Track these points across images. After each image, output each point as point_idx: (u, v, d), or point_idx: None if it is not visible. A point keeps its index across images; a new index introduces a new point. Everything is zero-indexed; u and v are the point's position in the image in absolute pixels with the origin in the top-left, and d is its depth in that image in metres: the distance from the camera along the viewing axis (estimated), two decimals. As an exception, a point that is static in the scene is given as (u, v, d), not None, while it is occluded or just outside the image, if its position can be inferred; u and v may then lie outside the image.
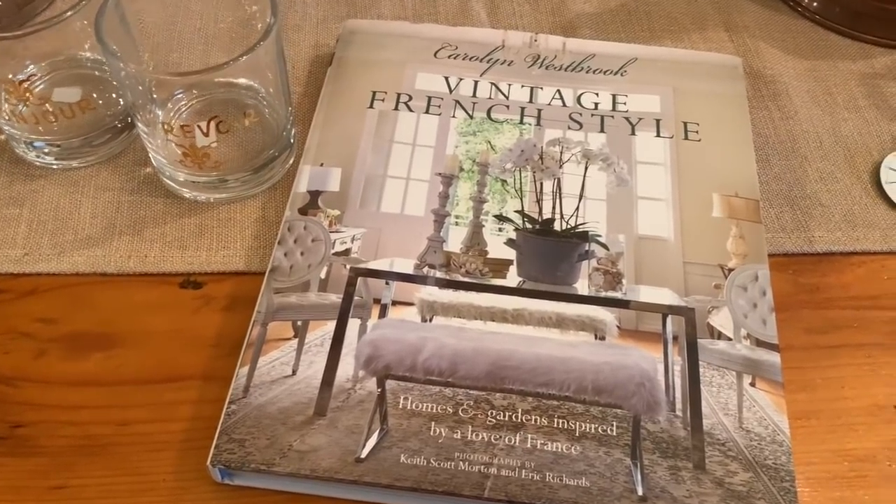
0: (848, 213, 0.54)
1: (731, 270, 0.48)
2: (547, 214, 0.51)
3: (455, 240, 0.50)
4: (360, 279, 0.46)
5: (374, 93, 0.57)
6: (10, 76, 0.51)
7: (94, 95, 0.53)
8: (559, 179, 0.52)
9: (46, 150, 0.53)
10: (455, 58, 0.59)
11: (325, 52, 0.61)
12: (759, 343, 0.46)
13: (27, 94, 0.50)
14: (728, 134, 0.55)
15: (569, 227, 0.50)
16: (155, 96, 0.50)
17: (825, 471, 0.43)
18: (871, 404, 0.46)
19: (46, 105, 0.50)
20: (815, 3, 0.65)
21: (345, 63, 0.58)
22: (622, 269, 0.49)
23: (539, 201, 0.52)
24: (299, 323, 0.45)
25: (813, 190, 0.55)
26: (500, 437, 0.41)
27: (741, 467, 0.41)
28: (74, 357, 0.46)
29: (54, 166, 0.54)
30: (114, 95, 0.54)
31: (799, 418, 0.45)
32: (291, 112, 0.53)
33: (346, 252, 0.49)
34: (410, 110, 0.56)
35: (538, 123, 0.56)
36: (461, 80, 0.58)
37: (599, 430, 0.42)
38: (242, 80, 0.53)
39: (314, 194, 0.51)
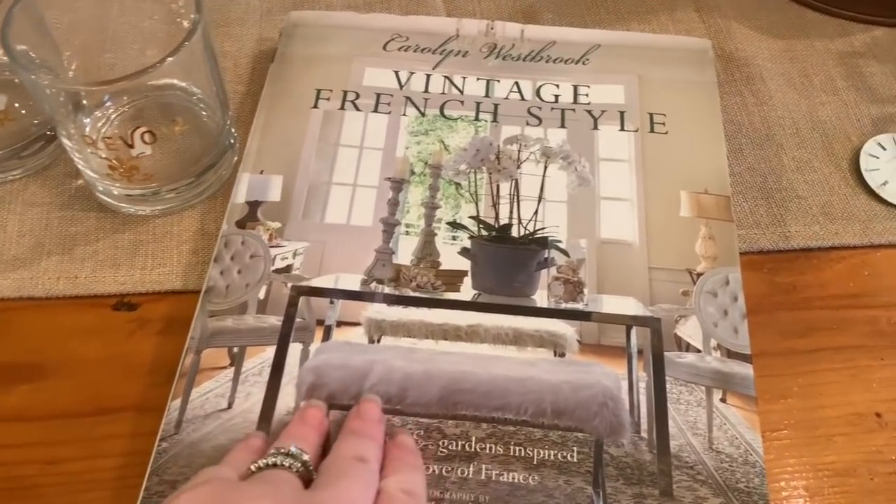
0: (826, 204, 0.51)
1: (699, 275, 0.45)
2: (504, 220, 0.48)
3: (406, 251, 0.47)
4: (301, 299, 0.43)
5: (319, 91, 0.53)
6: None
7: (17, 105, 0.50)
8: (517, 181, 0.49)
9: (-32, 165, 0.50)
10: (406, 50, 0.55)
11: (269, 48, 0.58)
12: (731, 354, 0.43)
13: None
14: (697, 125, 0.52)
15: (527, 232, 0.48)
16: (73, 105, 0.46)
17: (803, 487, 0.40)
18: (851, 413, 0.43)
19: (-40, 118, 0.47)
20: (789, -21, 0.62)
21: (287, 59, 0.55)
22: (584, 277, 0.46)
23: (495, 205, 0.49)
24: (235, 350, 0.42)
25: (789, 181, 0.52)
26: (452, 468, 0.38)
27: (711, 492, 0.38)
28: (0, 390, 0.43)
29: (-23, 181, 0.50)
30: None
31: (774, 430, 0.42)
32: (229, 115, 0.50)
33: (288, 269, 0.46)
34: (357, 109, 0.52)
35: (494, 120, 0.52)
36: (412, 74, 0.54)
37: (559, 456, 0.39)
38: (176, 82, 0.50)
39: (253, 205, 0.47)
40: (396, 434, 0.37)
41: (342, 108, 0.52)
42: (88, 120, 0.48)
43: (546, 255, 0.46)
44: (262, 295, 0.44)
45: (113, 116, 0.50)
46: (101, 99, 0.49)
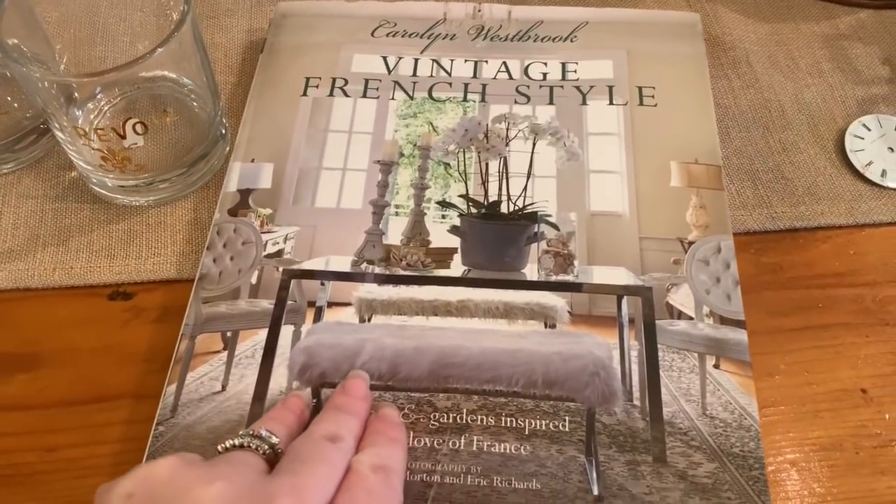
0: (812, 185, 0.51)
1: (691, 244, 0.46)
2: (493, 197, 0.48)
3: (395, 231, 0.47)
4: (293, 282, 0.44)
5: (308, 79, 0.54)
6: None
7: (9, 98, 0.50)
8: (506, 158, 0.49)
9: (-39, 159, 0.50)
10: (393, 35, 0.56)
11: (259, 38, 0.58)
12: (724, 321, 0.43)
13: (-71, 102, 0.46)
14: (686, 97, 0.53)
15: (516, 208, 0.48)
16: (65, 98, 0.47)
17: (791, 462, 0.41)
18: (837, 389, 0.44)
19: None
20: (775, -37, 0.62)
21: (276, 49, 0.55)
22: (574, 250, 0.46)
23: (485, 183, 0.49)
24: (229, 334, 0.43)
25: (775, 162, 0.52)
26: (444, 440, 0.39)
27: (706, 458, 0.38)
28: (-3, 380, 0.43)
29: (-28, 175, 0.51)
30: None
31: (762, 407, 0.43)
32: (220, 105, 0.50)
33: (279, 253, 0.46)
34: (346, 95, 0.53)
35: (483, 100, 0.53)
36: (400, 58, 0.55)
37: (551, 426, 0.39)
38: (167, 73, 0.50)
39: (244, 193, 0.48)
40: (381, 407, 0.38)
41: (331, 94, 0.53)
42: (81, 112, 0.49)
43: (535, 230, 0.47)
44: (254, 280, 0.45)
45: (105, 108, 0.50)
46: (93, 91, 0.49)
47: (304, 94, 0.53)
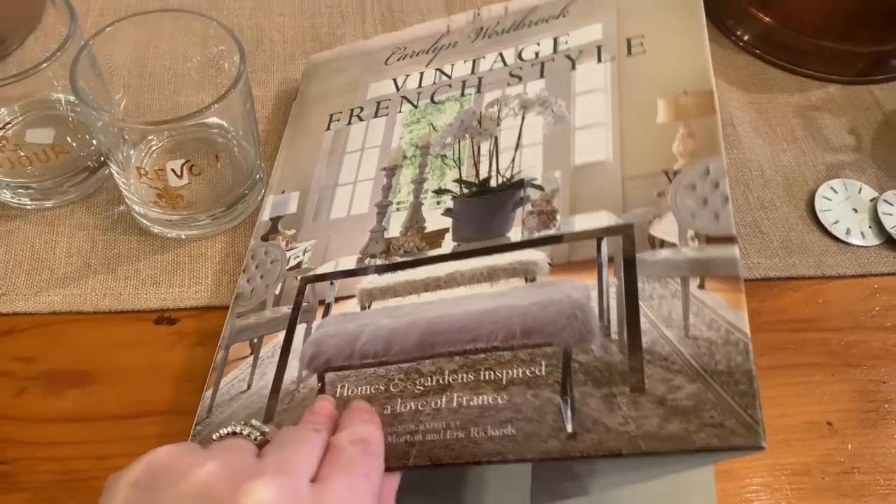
0: (785, 239, 0.57)
1: (676, 174, 0.42)
2: (484, 175, 0.49)
3: (397, 225, 0.49)
4: (308, 286, 0.47)
5: (332, 115, 0.57)
6: (-16, 120, 0.53)
7: (69, 139, 0.55)
8: (496, 137, 0.49)
9: (21, 192, 0.55)
10: (403, 59, 0.58)
11: (292, 87, 0.64)
12: (710, 240, 0.39)
13: (3, 141, 0.51)
14: (677, 35, 0.49)
15: (505, 180, 0.48)
16: (126, 137, 0.52)
17: (764, 484, 0.46)
18: (806, 421, 0.49)
19: (21, 151, 0.52)
20: (756, 39, 0.69)
21: (307, 97, 0.60)
22: (557, 205, 0.45)
23: (476, 164, 0.49)
24: (255, 340, 0.47)
25: (753, 217, 0.58)
26: (427, 402, 0.39)
27: (687, 380, 0.35)
28: (53, 394, 0.48)
29: (29, 206, 0.55)
30: (87, 136, 0.56)
31: (740, 436, 0.48)
32: (259, 151, 0.56)
33: (299, 265, 0.50)
34: (361, 120, 0.56)
35: (478, 91, 0.53)
36: (408, 76, 0.57)
37: (527, 372, 0.38)
38: (213, 120, 0.56)
39: (275, 220, 0.53)
40: (351, 402, 0.39)
41: (349, 123, 0.56)
42: (133, 152, 0.54)
43: (521, 195, 0.46)
44: (277, 291, 0.49)
45: (153, 148, 0.56)
46: (146, 134, 0.54)
47: (328, 128, 0.57)
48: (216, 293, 0.52)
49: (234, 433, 0.35)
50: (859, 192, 0.59)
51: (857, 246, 0.57)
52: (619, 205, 0.43)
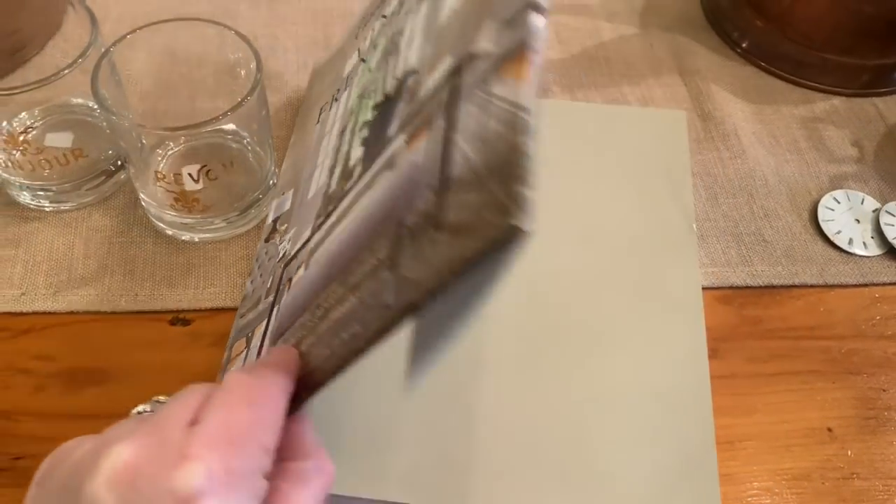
0: (788, 248, 0.58)
1: None
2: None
3: None
4: (284, 270, 0.47)
5: (321, 109, 0.57)
6: (4, 124, 0.54)
7: (87, 143, 0.56)
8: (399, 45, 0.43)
9: (41, 194, 0.56)
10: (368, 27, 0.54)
11: (304, 95, 0.65)
12: None
13: (24, 145, 0.53)
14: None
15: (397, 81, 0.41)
16: (144, 142, 0.53)
17: (765, 488, 0.47)
18: (807, 427, 0.50)
19: (40, 155, 0.53)
20: (760, 51, 0.70)
21: (308, 102, 0.61)
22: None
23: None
24: (249, 334, 0.48)
25: (757, 227, 0.59)
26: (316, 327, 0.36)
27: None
28: (71, 392, 0.49)
29: (48, 208, 0.57)
30: (104, 141, 0.57)
31: (741, 441, 0.49)
32: (273, 157, 0.57)
33: (285, 255, 0.48)
34: (336, 101, 0.53)
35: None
36: (366, 38, 0.52)
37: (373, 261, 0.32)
38: (228, 126, 0.57)
39: (275, 221, 0.54)
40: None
41: (330, 109, 0.54)
42: (151, 156, 0.55)
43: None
44: (269, 284, 0.48)
45: (169, 153, 0.57)
46: (163, 139, 0.56)
47: (318, 121, 0.56)
48: (230, 295, 0.53)
49: (140, 413, 0.38)
50: (862, 203, 0.60)
51: (860, 256, 0.58)
52: None
